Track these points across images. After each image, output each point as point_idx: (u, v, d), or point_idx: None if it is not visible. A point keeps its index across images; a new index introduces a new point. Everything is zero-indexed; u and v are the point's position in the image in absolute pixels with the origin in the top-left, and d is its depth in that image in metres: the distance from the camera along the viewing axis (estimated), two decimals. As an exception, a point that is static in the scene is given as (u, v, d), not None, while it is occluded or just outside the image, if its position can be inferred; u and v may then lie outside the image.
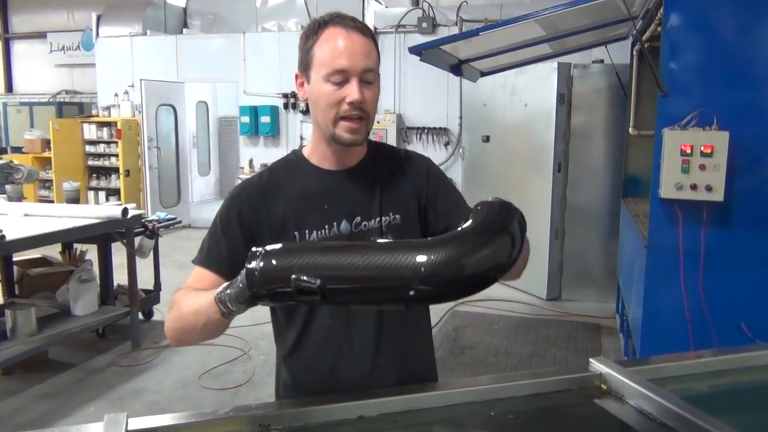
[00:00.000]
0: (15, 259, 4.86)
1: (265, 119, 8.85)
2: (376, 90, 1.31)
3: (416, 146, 8.13)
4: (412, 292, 0.96)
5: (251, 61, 8.91)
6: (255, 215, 1.35)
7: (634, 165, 4.84)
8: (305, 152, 1.42)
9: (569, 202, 5.71)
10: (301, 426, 1.13)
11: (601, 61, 5.66)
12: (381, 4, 8.63)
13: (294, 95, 8.51)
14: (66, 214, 4.31)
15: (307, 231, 1.35)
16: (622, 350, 4.30)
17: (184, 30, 9.91)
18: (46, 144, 9.53)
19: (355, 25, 1.29)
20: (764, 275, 2.92)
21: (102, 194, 9.34)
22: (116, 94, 9.34)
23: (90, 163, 9.48)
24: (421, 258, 0.96)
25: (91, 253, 5.02)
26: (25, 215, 4.33)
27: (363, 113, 1.28)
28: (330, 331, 1.38)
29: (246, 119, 8.94)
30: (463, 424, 1.25)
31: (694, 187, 2.80)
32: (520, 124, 5.85)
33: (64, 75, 12.10)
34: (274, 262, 1.00)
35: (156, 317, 5.14)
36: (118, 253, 4.79)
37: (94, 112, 9.70)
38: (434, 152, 8.08)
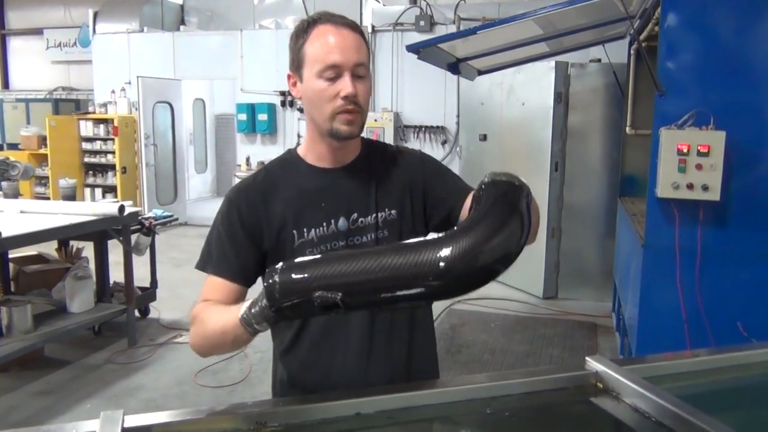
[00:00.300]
0: (11, 256, 4.85)
1: (262, 117, 8.83)
2: (368, 84, 1.33)
3: (413, 144, 8.13)
4: (431, 289, 0.97)
5: (248, 58, 8.90)
6: (254, 215, 1.36)
7: (631, 164, 4.85)
8: (300, 151, 1.43)
9: (566, 201, 5.72)
10: (298, 423, 1.12)
11: (599, 60, 5.67)
12: (379, 2, 8.63)
13: (291, 93, 8.50)
14: (62, 211, 4.30)
15: (305, 229, 1.36)
16: (618, 349, 4.31)
17: (182, 27, 9.88)
18: (42, 141, 9.50)
19: (344, 21, 1.31)
20: (760, 275, 2.93)
21: (98, 191, 9.31)
22: (113, 91, 9.30)
23: (86, 160, 9.45)
24: (440, 253, 0.96)
25: (88, 250, 5.01)
26: (21, 212, 4.32)
27: (357, 107, 1.30)
28: (327, 328, 1.38)
29: (243, 117, 8.93)
30: (459, 421, 1.25)
31: (690, 186, 2.80)
32: (518, 122, 5.85)
33: (61, 71, 12.08)
34: (293, 276, 1.00)
35: (152, 315, 5.13)
36: (115, 251, 4.78)
37: (90, 109, 9.67)
38: (431, 150, 8.07)
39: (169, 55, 9.31)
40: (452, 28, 7.68)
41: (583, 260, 5.76)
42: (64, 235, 4.56)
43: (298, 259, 1.03)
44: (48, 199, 8.70)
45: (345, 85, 1.27)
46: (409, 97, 8.32)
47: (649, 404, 1.14)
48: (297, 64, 1.33)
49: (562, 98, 5.53)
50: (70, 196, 5.47)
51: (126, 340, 4.55)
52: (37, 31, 12.04)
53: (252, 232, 1.35)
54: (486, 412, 1.20)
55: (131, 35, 9.51)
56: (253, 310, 1.09)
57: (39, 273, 4.78)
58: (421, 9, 8.15)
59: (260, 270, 1.36)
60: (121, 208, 4.32)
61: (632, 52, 4.44)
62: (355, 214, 1.38)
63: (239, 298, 1.33)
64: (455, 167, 7.29)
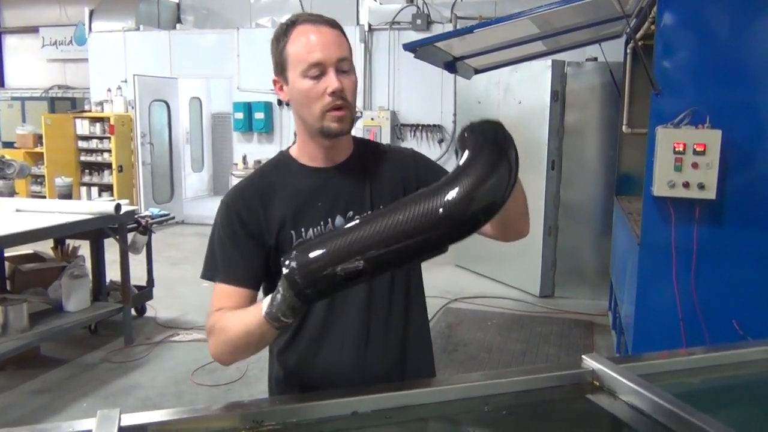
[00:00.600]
0: (7, 254, 4.83)
1: (258, 115, 8.82)
2: (353, 78, 1.33)
3: (410, 143, 8.14)
4: (441, 234, 0.99)
5: (245, 57, 8.88)
6: (253, 217, 1.36)
7: (627, 163, 4.85)
8: (293, 152, 1.44)
9: (563, 199, 5.73)
10: (295, 422, 1.12)
11: (595, 59, 5.67)
12: (375, 0, 8.62)
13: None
14: (58, 210, 4.29)
15: (303, 229, 1.36)
16: (615, 347, 4.32)
17: (178, 25, 9.85)
18: (38, 139, 9.47)
19: (322, 19, 1.32)
20: (756, 273, 2.94)
21: (95, 190, 9.29)
22: (109, 90, 9.29)
23: (82, 158, 9.42)
24: (441, 199, 0.99)
25: (84, 248, 4.99)
26: (17, 211, 4.30)
27: (345, 102, 1.30)
28: (324, 326, 1.39)
29: (240, 115, 8.92)
30: (456, 420, 1.25)
31: (686, 185, 2.81)
32: (514, 121, 5.85)
33: (57, 70, 12.03)
34: (310, 256, 1.00)
35: (148, 313, 5.13)
36: (111, 249, 4.77)
37: (86, 107, 9.64)
38: (428, 149, 8.08)
39: (166, 53, 9.29)
40: (449, 27, 7.68)
41: (580, 258, 5.77)
42: (60, 234, 4.55)
43: (306, 241, 1.03)
44: (44, 197, 8.67)
45: (330, 81, 1.27)
46: (406, 96, 8.32)
47: (645, 402, 1.14)
48: (281, 67, 1.34)
49: (558, 97, 5.54)
50: (66, 194, 5.47)
51: (122, 339, 4.54)
52: (33, 30, 11.99)
53: (254, 235, 1.35)
54: (484, 410, 1.20)
55: (127, 33, 9.48)
56: (275, 303, 1.09)
57: (35, 272, 4.76)
58: (418, 7, 8.15)
59: (266, 274, 1.37)
60: (118, 207, 4.31)
61: (629, 50, 4.45)
62: (351, 212, 1.38)
63: (251, 303, 1.32)
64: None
